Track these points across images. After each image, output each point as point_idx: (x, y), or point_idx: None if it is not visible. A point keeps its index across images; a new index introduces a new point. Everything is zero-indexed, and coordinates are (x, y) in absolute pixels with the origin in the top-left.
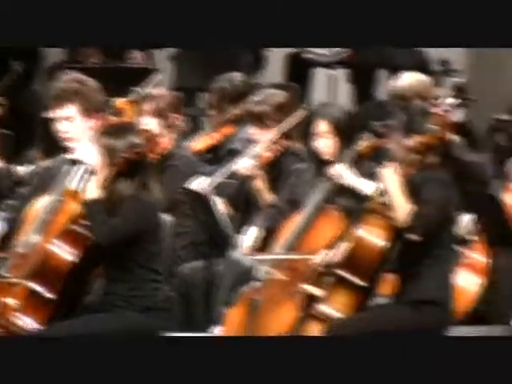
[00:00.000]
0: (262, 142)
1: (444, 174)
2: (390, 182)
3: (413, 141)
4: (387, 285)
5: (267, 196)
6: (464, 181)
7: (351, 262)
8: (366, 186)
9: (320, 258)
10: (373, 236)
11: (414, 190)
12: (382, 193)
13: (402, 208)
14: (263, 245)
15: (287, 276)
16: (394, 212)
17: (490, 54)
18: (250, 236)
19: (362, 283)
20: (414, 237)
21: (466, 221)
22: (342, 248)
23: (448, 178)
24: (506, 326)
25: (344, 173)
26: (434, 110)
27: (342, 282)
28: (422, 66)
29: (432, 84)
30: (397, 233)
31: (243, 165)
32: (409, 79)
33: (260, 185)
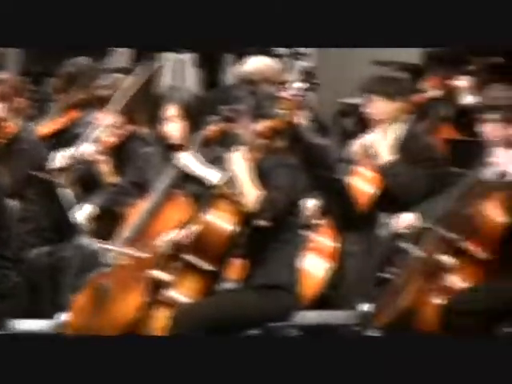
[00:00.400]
0: (103, 126)
1: (292, 159)
2: (239, 167)
3: (261, 125)
4: (236, 269)
5: (112, 179)
6: (311, 165)
7: (199, 246)
8: (211, 175)
9: (164, 239)
10: (221, 221)
11: (262, 174)
12: (230, 178)
13: (251, 193)
14: (107, 225)
15: (134, 261)
16: (242, 197)
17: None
18: (82, 212)
19: (209, 268)
20: (262, 222)
21: (312, 205)
22: (187, 230)
23: (296, 163)
24: (352, 310)
25: (189, 162)
26: (281, 94)
27: (189, 266)
28: (269, 50)
29: (279, 68)
30: (245, 218)
31: (85, 149)
32: (255, 63)
33: (104, 169)
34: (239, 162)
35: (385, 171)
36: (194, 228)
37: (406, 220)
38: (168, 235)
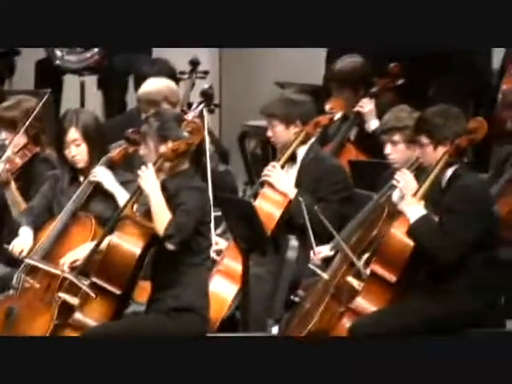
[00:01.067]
0: (10, 147)
1: (198, 181)
2: (148, 189)
3: (165, 147)
4: (145, 292)
5: (19, 201)
6: (215, 187)
7: (105, 269)
8: (121, 195)
9: (65, 263)
10: (127, 244)
11: (168, 197)
12: (138, 201)
13: (159, 216)
14: None
15: (43, 284)
16: (151, 220)
17: (245, 56)
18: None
19: (116, 291)
20: (170, 246)
21: (219, 228)
22: (87, 253)
23: (202, 185)
24: (264, 332)
25: (104, 178)
26: (184, 115)
27: (96, 289)
28: (170, 73)
29: (178, 89)
30: (153, 241)
31: None
32: (156, 85)
33: (13, 189)
34: (148, 184)
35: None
36: (100, 250)
37: (321, 252)
38: (73, 257)
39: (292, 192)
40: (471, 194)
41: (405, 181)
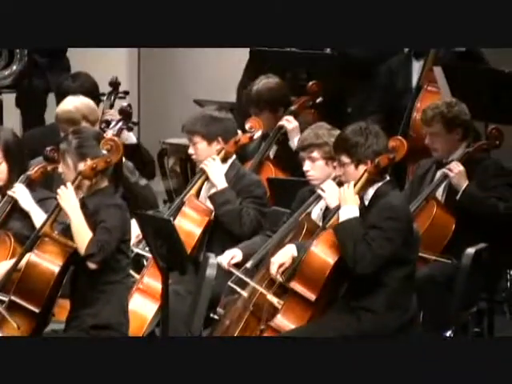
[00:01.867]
0: None
1: (118, 198)
2: (68, 208)
3: (84, 165)
4: (63, 310)
5: None
6: (135, 204)
7: (23, 287)
8: (36, 214)
9: None
10: (46, 261)
11: (88, 215)
12: (57, 218)
13: (80, 235)
14: None
15: None
16: (70, 238)
17: (163, 75)
18: None
19: (34, 309)
20: (92, 264)
21: (141, 245)
22: (5, 270)
23: (122, 203)
24: None
25: (21, 196)
26: (103, 133)
27: (15, 307)
28: (91, 86)
29: (96, 107)
30: (72, 258)
31: None
32: (74, 103)
33: None
34: (68, 202)
35: (214, 199)
36: (19, 268)
37: (230, 255)
38: None
39: (223, 185)
40: (394, 211)
41: (330, 191)
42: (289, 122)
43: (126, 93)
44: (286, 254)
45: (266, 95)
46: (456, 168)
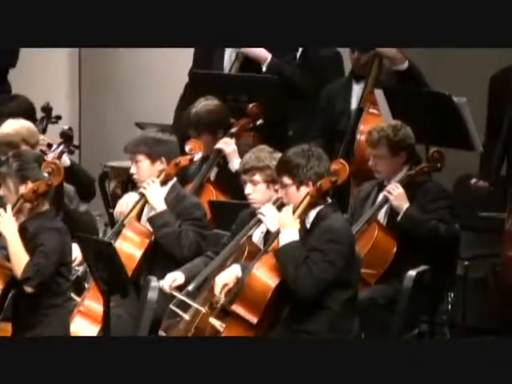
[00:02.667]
0: None
1: (58, 222)
2: (5, 232)
3: (25, 187)
4: (5, 333)
5: None
6: (76, 228)
7: None
8: None
9: None
10: None
11: (27, 238)
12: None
13: (17, 259)
14: None
15: None
16: (11, 263)
17: (104, 96)
18: None
19: None
20: (28, 288)
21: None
22: None
23: (62, 226)
24: None
25: None
26: (43, 156)
27: None
28: (28, 107)
29: (36, 130)
30: (13, 282)
31: None
32: (13, 126)
33: None
34: (8, 224)
35: (153, 222)
36: None
37: (172, 278)
38: None
39: (162, 208)
40: (336, 234)
41: (270, 215)
42: (227, 145)
43: (59, 117)
44: (230, 275)
45: (206, 117)
46: (395, 190)
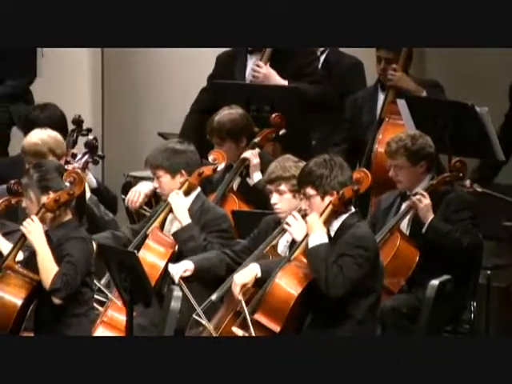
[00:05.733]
0: None
1: (82, 231)
2: (35, 242)
3: (47, 198)
4: None
5: None
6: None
7: None
8: (5, 248)
9: None
10: (8, 294)
11: (53, 248)
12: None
13: (46, 269)
14: None
15: None
16: (40, 273)
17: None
18: None
19: None
20: (56, 300)
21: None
22: None
23: (86, 235)
24: None
25: None
26: (67, 166)
27: None
28: (59, 117)
29: (62, 140)
30: (35, 291)
31: None
32: (41, 136)
33: None
34: (37, 233)
35: (177, 236)
36: None
37: (183, 268)
38: None
39: (187, 221)
40: (363, 241)
41: (295, 224)
42: (254, 156)
43: (89, 130)
44: (249, 274)
45: (229, 125)
46: (423, 200)
